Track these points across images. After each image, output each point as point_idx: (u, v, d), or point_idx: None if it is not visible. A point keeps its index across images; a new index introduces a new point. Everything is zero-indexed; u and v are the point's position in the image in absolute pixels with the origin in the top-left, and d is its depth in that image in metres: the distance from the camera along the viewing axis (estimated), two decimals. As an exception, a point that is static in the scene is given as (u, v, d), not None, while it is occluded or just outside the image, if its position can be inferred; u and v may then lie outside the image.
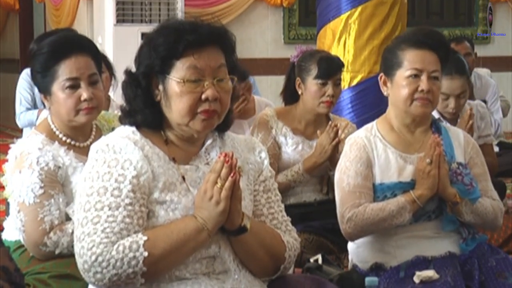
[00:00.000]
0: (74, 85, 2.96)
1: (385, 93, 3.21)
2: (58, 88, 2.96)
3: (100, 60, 3.13)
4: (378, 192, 3.11)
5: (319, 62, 4.11)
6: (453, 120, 4.29)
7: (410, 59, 3.11)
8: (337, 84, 4.15)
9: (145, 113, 2.35)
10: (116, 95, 4.34)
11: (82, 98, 2.96)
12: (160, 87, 2.34)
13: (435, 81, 3.11)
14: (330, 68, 4.12)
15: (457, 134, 3.27)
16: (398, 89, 3.13)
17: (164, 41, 2.31)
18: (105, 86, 4.19)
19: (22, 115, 6.26)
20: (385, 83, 3.19)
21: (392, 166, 3.13)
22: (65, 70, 2.95)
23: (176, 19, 2.40)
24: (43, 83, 2.99)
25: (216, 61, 2.33)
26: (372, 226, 3.06)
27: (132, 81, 2.36)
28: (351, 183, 3.11)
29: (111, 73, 4.33)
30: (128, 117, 2.39)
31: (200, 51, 2.31)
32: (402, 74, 3.12)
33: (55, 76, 2.95)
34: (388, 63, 3.18)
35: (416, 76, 3.09)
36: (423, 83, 3.08)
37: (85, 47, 3.02)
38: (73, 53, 2.96)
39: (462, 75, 4.26)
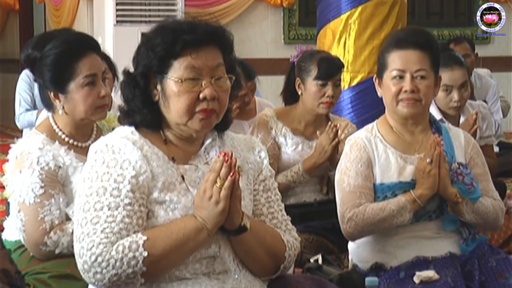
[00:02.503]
0: (92, 82, 2.97)
1: (379, 95, 3.23)
2: (77, 85, 2.96)
3: (105, 59, 3.14)
4: (379, 192, 3.11)
5: (319, 62, 4.11)
6: (455, 120, 4.29)
7: (393, 60, 3.13)
8: (337, 85, 4.14)
9: (143, 113, 2.35)
10: (117, 96, 4.33)
11: (100, 95, 2.97)
12: (158, 87, 2.34)
13: (422, 80, 3.11)
14: (330, 69, 4.12)
15: (457, 135, 3.27)
16: (386, 90, 3.15)
17: (162, 41, 2.31)
18: (109, 87, 4.19)
19: (22, 116, 6.26)
20: (379, 85, 3.21)
21: (392, 166, 3.13)
22: (84, 67, 2.95)
23: (173, 19, 2.40)
24: (56, 82, 2.97)
25: (214, 61, 2.33)
26: (373, 226, 3.06)
27: (130, 82, 2.36)
28: (351, 183, 3.11)
29: (114, 74, 4.33)
30: (126, 117, 2.39)
31: (197, 50, 2.31)
32: (388, 75, 3.14)
33: (74, 74, 2.95)
34: (379, 65, 3.21)
35: (401, 77, 3.11)
36: (406, 84, 3.09)
37: (94, 46, 3.04)
38: (88, 51, 2.97)
39: (462, 66, 4.28)
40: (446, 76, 4.04)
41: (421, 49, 3.11)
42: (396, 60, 3.12)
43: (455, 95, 4.24)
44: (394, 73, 3.11)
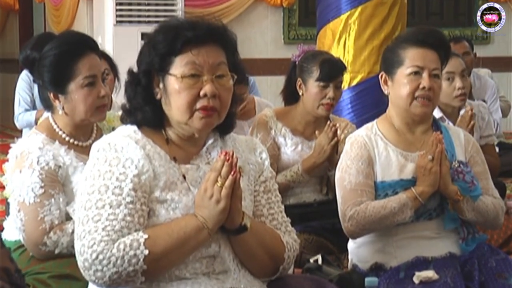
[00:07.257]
0: (92, 83, 2.97)
1: (385, 92, 3.22)
2: (77, 86, 2.95)
3: (106, 59, 3.14)
4: (380, 190, 3.11)
5: (321, 64, 4.11)
6: (455, 118, 4.30)
7: (411, 57, 3.12)
8: (338, 87, 4.15)
9: (145, 111, 2.35)
10: (118, 96, 4.34)
11: (100, 95, 2.97)
12: (161, 85, 2.34)
13: (436, 79, 3.13)
14: (332, 71, 4.11)
15: (457, 133, 3.28)
16: (399, 87, 3.14)
17: (163, 38, 2.32)
18: (110, 87, 4.19)
19: (21, 116, 6.25)
20: (385, 82, 3.20)
21: (393, 164, 3.13)
22: (83, 68, 2.95)
23: (176, 18, 2.40)
24: (56, 82, 2.96)
25: (215, 58, 2.33)
26: (374, 223, 3.06)
27: (132, 80, 2.37)
28: (352, 181, 3.11)
29: (115, 74, 4.33)
30: (129, 115, 2.39)
31: (198, 47, 2.31)
32: (403, 72, 3.13)
33: (74, 75, 2.94)
34: (389, 62, 3.19)
35: (417, 73, 3.11)
36: (425, 80, 3.10)
37: (93, 46, 3.04)
38: (87, 51, 2.97)
39: (458, 56, 4.36)
40: (447, 64, 4.08)
41: (436, 50, 3.13)
42: (415, 56, 3.11)
43: (458, 82, 4.25)
44: (411, 69, 3.11)
